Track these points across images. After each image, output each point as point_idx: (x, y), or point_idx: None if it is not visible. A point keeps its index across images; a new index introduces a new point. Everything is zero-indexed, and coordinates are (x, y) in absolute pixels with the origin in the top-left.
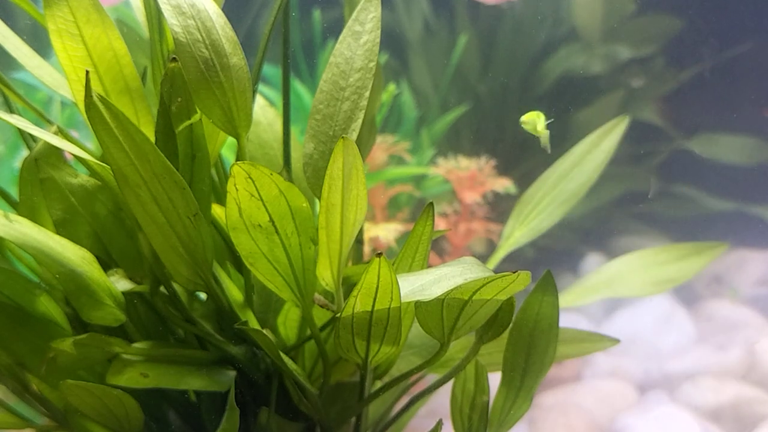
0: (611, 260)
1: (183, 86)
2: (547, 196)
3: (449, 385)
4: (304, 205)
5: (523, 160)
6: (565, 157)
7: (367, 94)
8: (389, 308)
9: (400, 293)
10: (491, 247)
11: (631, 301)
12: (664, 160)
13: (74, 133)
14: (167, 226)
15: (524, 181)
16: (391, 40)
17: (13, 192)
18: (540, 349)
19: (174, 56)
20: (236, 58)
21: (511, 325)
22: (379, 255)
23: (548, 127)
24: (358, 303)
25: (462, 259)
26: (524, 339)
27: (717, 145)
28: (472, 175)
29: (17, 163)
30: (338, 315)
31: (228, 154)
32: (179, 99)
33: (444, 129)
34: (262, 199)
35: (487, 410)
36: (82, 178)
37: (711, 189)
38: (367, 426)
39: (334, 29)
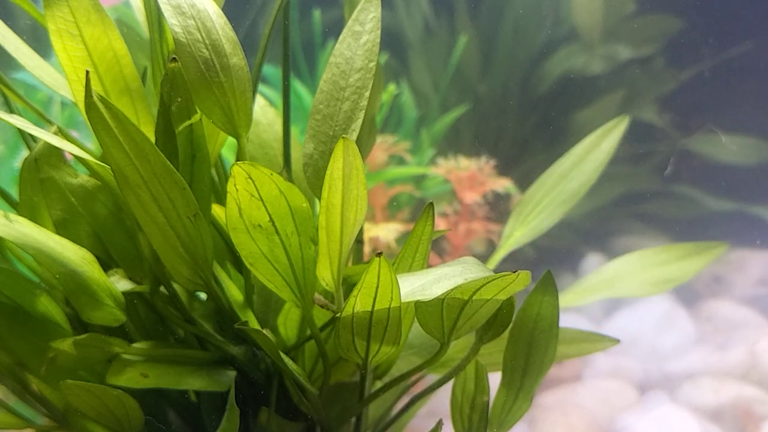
0: (611, 260)
1: (183, 86)
2: (547, 196)
3: (449, 385)
4: (304, 205)
5: (523, 160)
6: (565, 157)
7: (367, 94)
8: (389, 308)
9: (400, 293)
10: (491, 247)
11: (631, 301)
12: (664, 160)
13: (74, 133)
14: (167, 226)
15: (524, 181)
16: (391, 40)
17: (13, 192)
18: (540, 349)
19: (174, 56)
20: (236, 58)
21: (511, 325)
22: (379, 255)
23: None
24: (358, 303)
25: (462, 259)
26: (524, 339)
27: (717, 145)
28: (472, 175)
29: (17, 163)
30: (338, 315)
31: (228, 154)
32: (179, 99)
33: (444, 129)
34: (262, 199)
35: (487, 410)
36: (82, 178)
37: (711, 189)
38: (367, 426)
39: (334, 29)
